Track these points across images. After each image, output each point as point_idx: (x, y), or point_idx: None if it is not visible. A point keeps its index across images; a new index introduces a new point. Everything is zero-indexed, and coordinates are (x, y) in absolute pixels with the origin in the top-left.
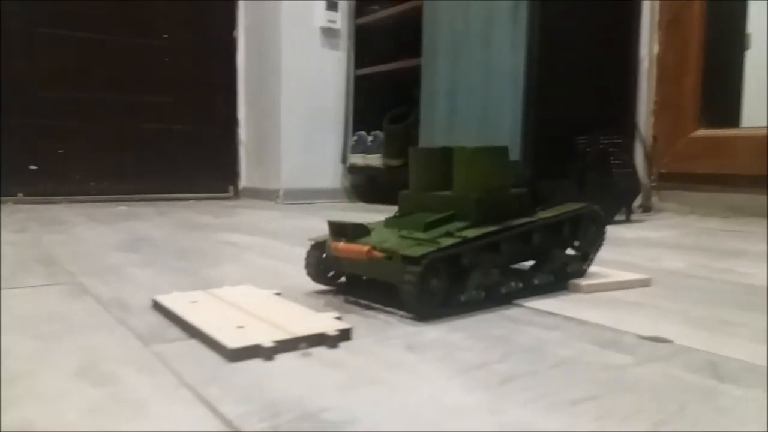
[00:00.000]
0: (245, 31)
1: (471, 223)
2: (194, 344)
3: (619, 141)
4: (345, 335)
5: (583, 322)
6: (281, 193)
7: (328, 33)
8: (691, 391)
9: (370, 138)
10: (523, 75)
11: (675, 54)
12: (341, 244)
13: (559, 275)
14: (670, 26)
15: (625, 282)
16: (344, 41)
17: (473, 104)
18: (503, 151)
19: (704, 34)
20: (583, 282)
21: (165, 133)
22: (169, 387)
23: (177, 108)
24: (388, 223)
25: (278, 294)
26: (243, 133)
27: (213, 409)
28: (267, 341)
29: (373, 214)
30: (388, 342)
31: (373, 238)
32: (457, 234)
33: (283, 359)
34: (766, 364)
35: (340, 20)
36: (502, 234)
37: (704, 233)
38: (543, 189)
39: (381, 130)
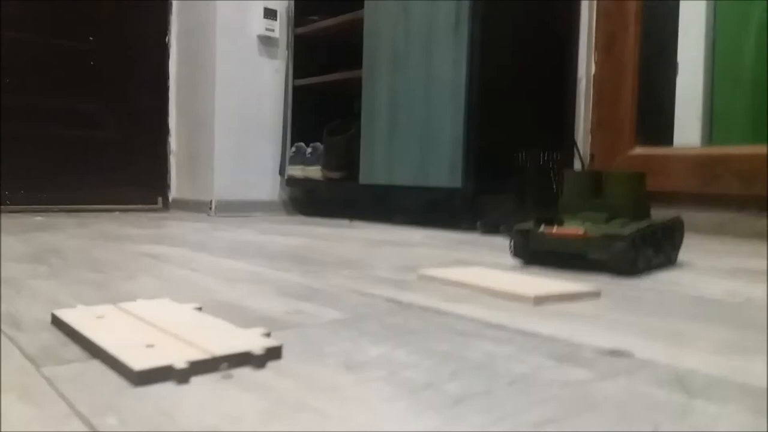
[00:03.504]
0: (178, 36)
1: (629, 220)
2: (95, 366)
3: (558, 158)
4: (274, 354)
5: (535, 335)
6: (214, 204)
7: (266, 41)
8: (661, 408)
9: (308, 150)
10: (464, 90)
11: (611, 75)
12: (555, 230)
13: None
14: (606, 48)
15: (575, 294)
16: (282, 50)
17: (414, 118)
18: (642, 174)
19: (639, 57)
20: (532, 293)
21: (90, 140)
22: (56, 417)
23: (103, 114)
24: (569, 218)
25: (199, 309)
26: (174, 142)
27: None
28: (180, 362)
29: (312, 227)
30: (323, 361)
31: (571, 226)
32: (632, 225)
33: (199, 383)
34: (732, 377)
35: (279, 29)
36: (650, 228)
37: None
38: (485, 203)
39: (320, 141)
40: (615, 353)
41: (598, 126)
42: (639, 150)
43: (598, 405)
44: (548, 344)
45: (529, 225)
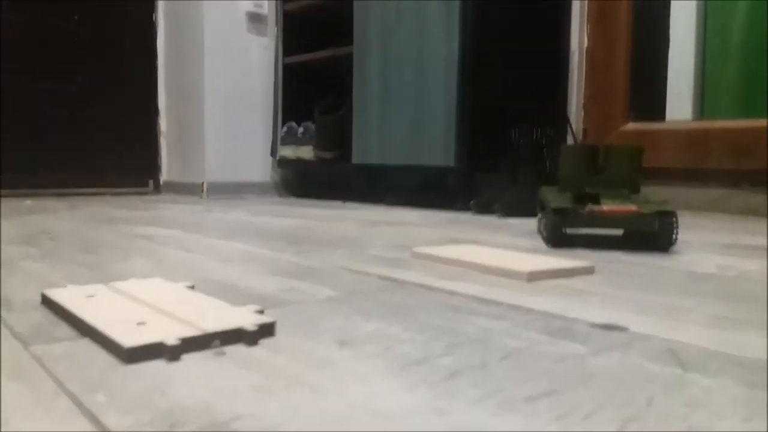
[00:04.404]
0: (165, 13)
1: (640, 196)
2: (85, 344)
3: (551, 133)
4: (267, 330)
5: (529, 311)
6: (206, 187)
7: (255, 18)
8: (655, 381)
9: (300, 129)
10: (457, 66)
11: (604, 48)
12: (605, 207)
13: None
14: (599, 20)
15: (569, 269)
16: (272, 28)
17: (407, 95)
18: (642, 149)
19: (631, 30)
20: (525, 269)
21: (77, 122)
22: (44, 395)
23: (91, 95)
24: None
25: (191, 287)
26: (163, 123)
27: (95, 421)
28: (171, 338)
29: (305, 208)
30: (317, 337)
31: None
32: (662, 201)
33: (191, 360)
34: (725, 350)
35: (267, 5)
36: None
37: None
38: (478, 181)
39: (312, 121)
40: (609, 327)
41: (591, 100)
42: (632, 125)
43: (592, 378)
44: (542, 319)
45: (565, 203)
